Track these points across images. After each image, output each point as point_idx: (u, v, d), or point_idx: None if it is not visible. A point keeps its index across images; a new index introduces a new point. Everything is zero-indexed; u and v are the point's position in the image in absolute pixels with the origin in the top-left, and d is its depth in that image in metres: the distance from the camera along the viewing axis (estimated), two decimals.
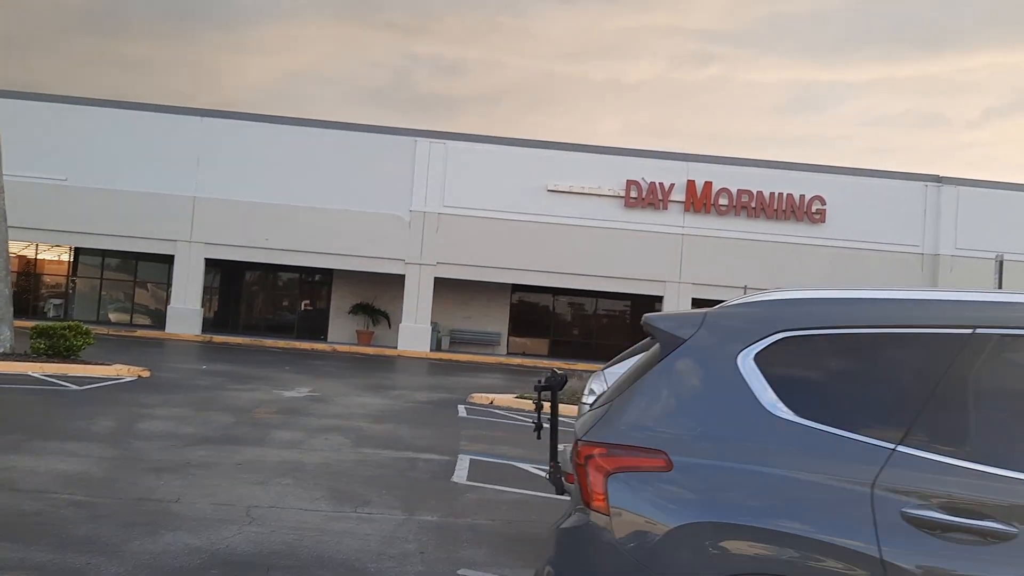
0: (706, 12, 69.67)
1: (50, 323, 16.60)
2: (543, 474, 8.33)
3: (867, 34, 69.76)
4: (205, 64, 72.48)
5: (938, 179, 30.97)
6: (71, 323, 16.56)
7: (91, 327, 27.46)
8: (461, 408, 15.30)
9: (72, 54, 70.86)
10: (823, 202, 30.37)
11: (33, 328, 16.82)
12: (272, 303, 34.77)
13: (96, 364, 16.34)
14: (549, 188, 30.13)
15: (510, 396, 16.60)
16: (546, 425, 4.96)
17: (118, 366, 16.47)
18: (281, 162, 29.80)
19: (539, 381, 5.24)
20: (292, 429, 11.27)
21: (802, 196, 30.35)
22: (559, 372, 5.45)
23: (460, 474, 9.00)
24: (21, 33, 68.68)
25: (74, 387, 13.94)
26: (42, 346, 16.24)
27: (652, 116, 78.91)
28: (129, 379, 15.75)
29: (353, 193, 29.82)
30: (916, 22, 68.24)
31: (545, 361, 30.20)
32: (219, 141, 29.77)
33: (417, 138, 30.21)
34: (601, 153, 30.52)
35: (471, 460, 9.79)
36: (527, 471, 9.41)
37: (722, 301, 3.37)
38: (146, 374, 16.35)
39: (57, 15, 67.89)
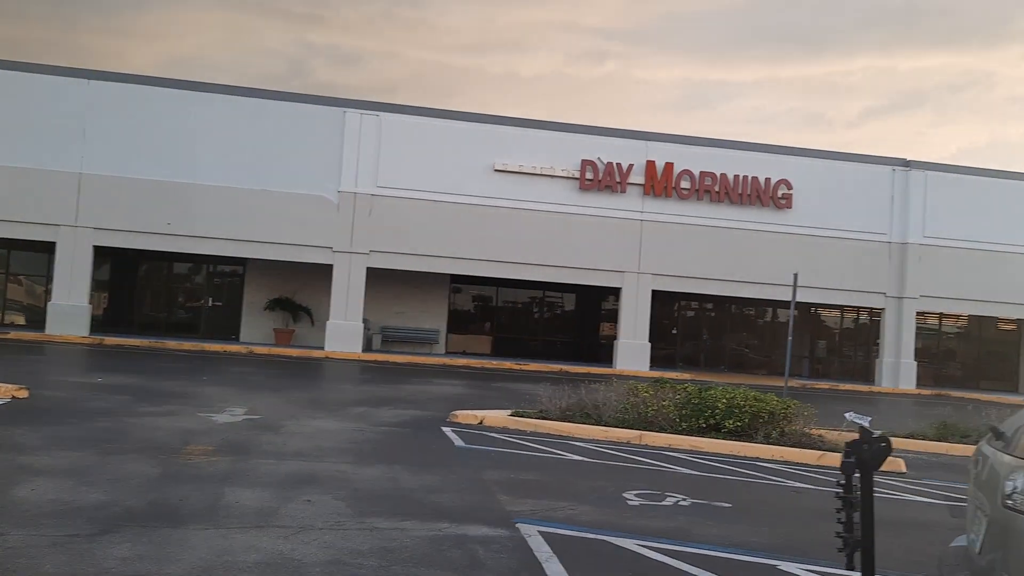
0: (601, 10, 71.45)
1: None
2: (671, 562, 5.33)
3: (753, 36, 72.63)
4: (83, 48, 67.81)
5: (906, 163, 29.23)
6: None
7: None
8: (449, 432, 11.94)
9: None
10: (789, 186, 28.15)
11: None
12: (174, 298, 30.26)
13: None
14: (496, 168, 26.86)
15: (501, 413, 13.33)
16: None
17: None
18: (185, 134, 25.50)
19: (846, 452, 4.54)
20: (250, 483, 7.72)
21: (767, 179, 28.04)
22: (872, 432, 4.59)
23: (552, 568, 5.72)
24: None
25: None
26: None
27: (549, 110, 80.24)
28: (0, 401, 11.74)
29: (271, 171, 25.80)
30: (798, 26, 70.61)
31: (491, 361, 26.99)
32: (110, 108, 25.23)
33: (347, 109, 26.41)
34: (554, 130, 27.43)
35: (543, 535, 6.52)
36: (639, 553, 6.22)
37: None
38: (23, 394, 12.32)
39: None
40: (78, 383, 14.97)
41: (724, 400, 11.95)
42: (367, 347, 27.17)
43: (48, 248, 25.78)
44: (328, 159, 26.11)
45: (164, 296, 29.89)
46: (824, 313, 33.31)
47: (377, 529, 6.45)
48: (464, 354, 29.08)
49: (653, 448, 11.58)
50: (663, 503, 8.08)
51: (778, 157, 28.38)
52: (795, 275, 17.04)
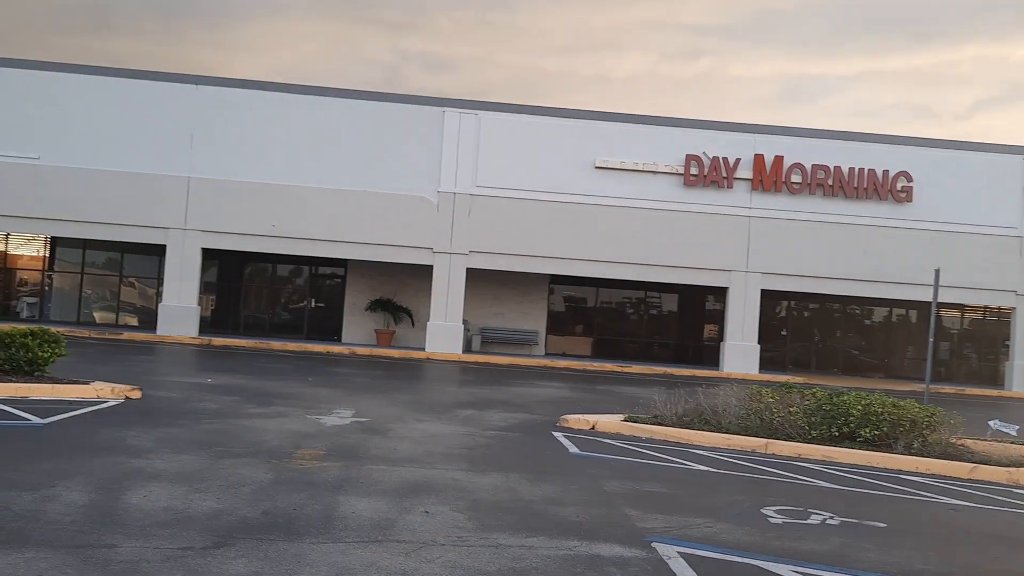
0: (695, 7, 70.27)
1: (6, 327, 12.57)
2: None
3: (853, 27, 70.36)
4: (190, 63, 70.54)
5: None
6: (35, 328, 12.53)
7: (71, 330, 23.51)
8: (560, 437, 11.41)
9: (53, 52, 67.92)
10: (909, 179, 26.56)
11: None
12: (278, 300, 30.69)
13: (69, 383, 12.35)
14: (597, 164, 26.20)
15: (614, 418, 12.72)
16: None
17: (99, 384, 12.49)
18: (288, 137, 25.78)
19: None
20: (364, 492, 7.35)
21: (885, 172, 26.52)
22: None
23: None
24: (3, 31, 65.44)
25: (35, 419, 9.96)
26: None
27: (643, 111, 78.60)
28: (113, 402, 11.79)
29: (372, 172, 25.82)
30: (901, 16, 67.65)
31: (591, 363, 26.35)
32: (217, 113, 25.70)
33: (445, 108, 26.21)
34: (657, 124, 26.59)
35: (685, 557, 5.91)
36: None
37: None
38: (136, 394, 12.37)
39: (38, 10, 64.60)
40: (188, 384, 15.06)
41: (859, 406, 11.03)
42: (467, 348, 26.92)
43: (159, 251, 26.43)
44: (428, 159, 25.96)
45: (268, 297, 30.34)
46: (945, 313, 31.37)
47: (502, 546, 5.95)
48: (564, 356, 28.53)
49: (781, 458, 10.77)
50: (808, 521, 7.34)
51: (896, 148, 26.83)
52: (936, 271, 15.86)
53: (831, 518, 7.48)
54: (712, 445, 11.37)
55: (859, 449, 10.83)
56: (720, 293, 28.56)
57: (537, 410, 14.35)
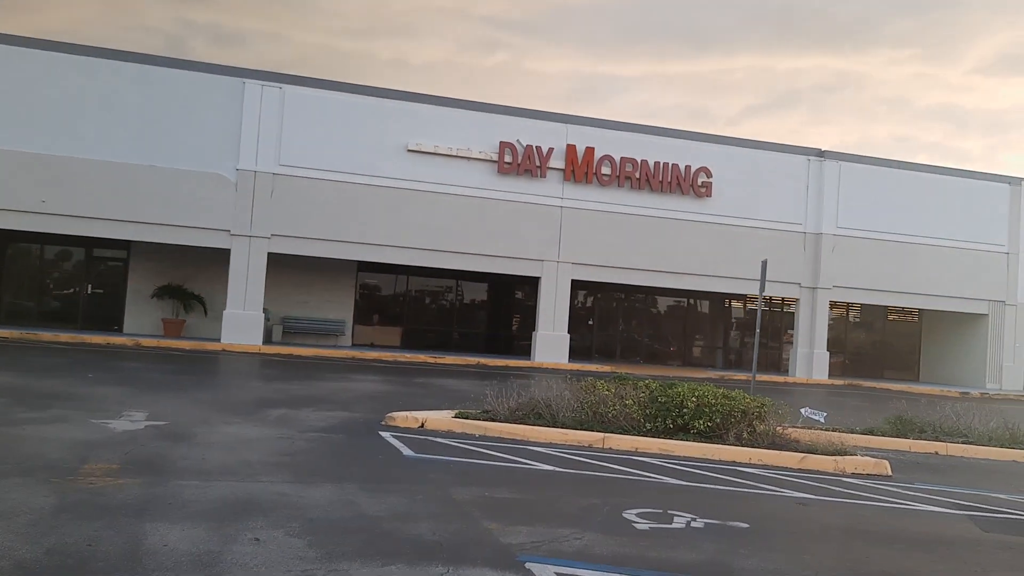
0: (493, 0, 70.24)
1: None
2: None
3: (640, 31, 74.26)
4: None
5: (820, 153, 29.24)
6: None
7: None
8: (389, 437, 10.51)
9: None
10: (709, 174, 27.65)
11: None
12: (48, 285, 27.32)
13: None
14: (410, 148, 25.25)
15: (444, 415, 11.95)
16: None
17: None
18: (64, 103, 22.86)
19: None
20: (176, 516, 6.13)
21: (688, 167, 27.47)
22: None
23: None
24: None
25: None
26: None
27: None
28: None
29: (162, 146, 23.44)
30: (683, 23, 72.62)
31: (403, 354, 25.45)
32: None
33: (246, 80, 24.25)
34: (471, 109, 25.99)
35: None
36: None
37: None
38: None
39: None
40: None
41: (693, 398, 10.94)
42: (267, 339, 25.19)
43: None
44: (226, 134, 23.92)
45: (35, 282, 26.94)
46: (737, 304, 33.17)
47: None
48: (373, 347, 27.42)
49: (620, 452, 10.47)
50: (673, 525, 6.93)
51: (698, 144, 27.86)
52: (764, 262, 16.37)
53: (694, 520, 7.12)
54: (549, 441, 10.89)
55: (693, 441, 10.72)
56: (528, 283, 28.54)
57: (356, 407, 13.32)
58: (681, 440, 10.73)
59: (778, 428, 11.36)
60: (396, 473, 8.46)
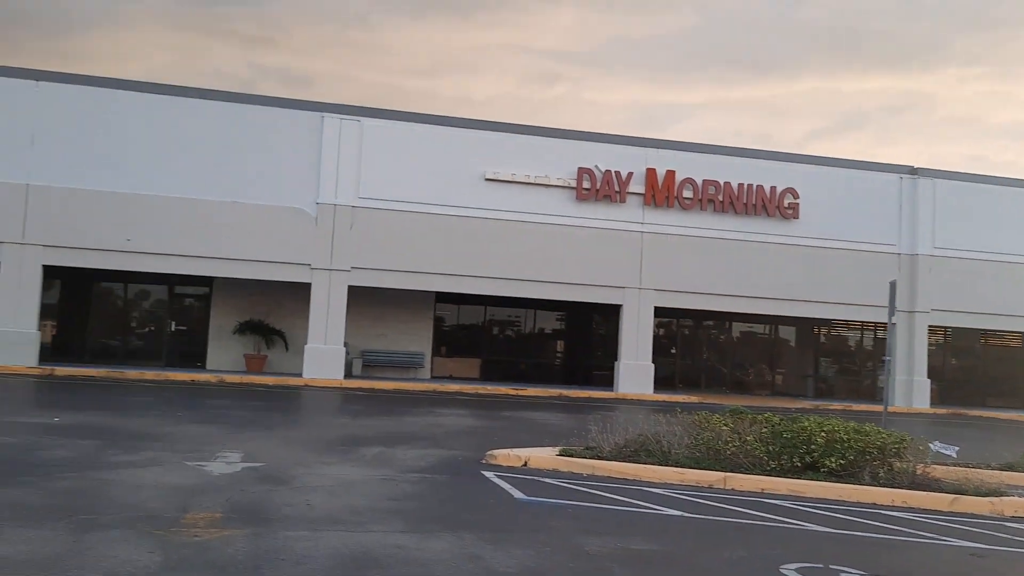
0: (552, 34, 71.75)
1: None
2: None
3: (700, 59, 73.91)
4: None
5: (913, 170, 27.93)
6: None
7: None
8: (494, 478, 9.87)
9: None
10: (796, 195, 26.60)
11: None
12: (133, 322, 27.57)
13: None
14: (487, 177, 24.85)
15: (546, 452, 11.27)
16: None
17: None
18: (146, 141, 23.08)
19: None
20: (294, 573, 5.57)
21: (773, 188, 26.48)
22: None
23: None
24: None
25: None
26: None
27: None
28: None
29: (243, 182, 23.47)
30: (744, 49, 71.74)
31: (483, 386, 24.88)
32: (62, 113, 22.69)
33: (325, 114, 24.20)
34: (549, 136, 25.51)
35: None
36: None
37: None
38: None
39: None
40: (31, 424, 12.54)
41: (822, 433, 10.05)
42: (347, 373, 24.88)
43: None
44: (305, 169, 23.86)
45: (121, 320, 27.20)
46: (828, 330, 31.82)
47: None
48: (451, 379, 26.91)
49: (745, 494, 9.63)
50: None
51: (783, 164, 26.88)
52: (892, 283, 15.51)
53: None
54: (664, 481, 10.11)
55: (825, 481, 9.83)
56: (607, 311, 27.76)
57: (451, 444, 12.73)
58: (811, 480, 9.85)
59: (920, 467, 10.38)
60: (513, 520, 7.79)
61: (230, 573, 5.53)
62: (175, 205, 23.02)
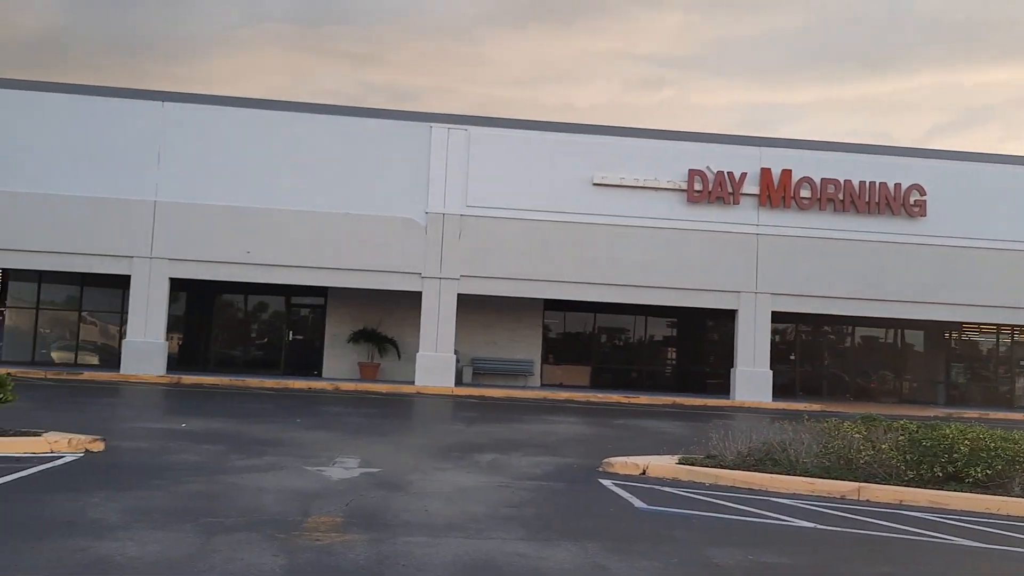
0: (655, 38, 70.91)
1: None
2: None
3: (809, 57, 71.01)
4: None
5: None
6: None
7: (25, 371, 21.15)
8: (612, 486, 9.58)
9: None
10: (922, 192, 25.25)
11: None
12: (253, 332, 28.54)
13: (16, 434, 10.28)
14: (595, 181, 24.56)
15: (665, 461, 10.90)
16: None
17: (53, 435, 10.43)
18: (263, 156, 23.83)
19: None
20: None
21: (897, 185, 25.21)
22: None
23: None
24: None
25: None
26: None
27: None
28: (71, 457, 9.76)
29: (354, 193, 23.93)
30: (856, 45, 68.67)
31: (594, 394, 24.53)
32: (185, 131, 23.70)
33: (433, 124, 24.46)
34: (657, 138, 25.05)
35: None
36: None
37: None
38: (98, 446, 10.33)
39: None
40: (160, 430, 13.00)
41: (966, 441, 9.35)
42: (457, 380, 24.99)
43: (121, 283, 24.30)
44: (414, 178, 24.16)
45: (241, 330, 28.18)
46: (959, 334, 30.08)
47: None
48: (561, 387, 26.69)
49: (882, 506, 9.04)
50: None
51: (908, 160, 25.58)
52: None
53: None
54: (791, 491, 9.60)
55: (970, 492, 9.13)
56: (721, 317, 27.00)
57: (565, 451, 12.51)
58: (954, 491, 9.17)
59: None
60: (635, 529, 7.50)
61: None
62: (291, 218, 23.66)
